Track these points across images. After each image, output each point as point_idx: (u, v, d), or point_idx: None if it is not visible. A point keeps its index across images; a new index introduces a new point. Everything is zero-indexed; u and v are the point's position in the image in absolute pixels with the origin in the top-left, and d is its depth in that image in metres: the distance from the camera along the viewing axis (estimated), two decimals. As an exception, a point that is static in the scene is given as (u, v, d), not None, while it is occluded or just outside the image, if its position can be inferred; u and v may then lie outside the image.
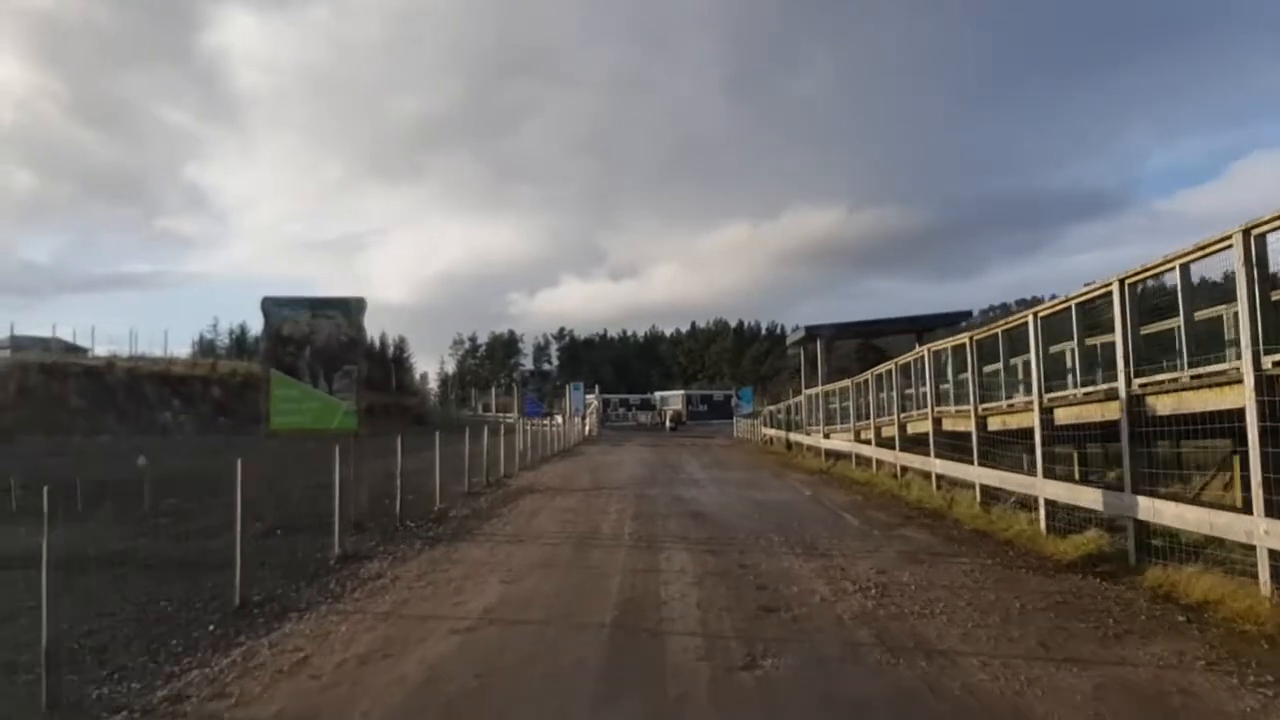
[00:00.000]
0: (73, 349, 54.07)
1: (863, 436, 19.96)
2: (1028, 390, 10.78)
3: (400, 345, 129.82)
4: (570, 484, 18.70)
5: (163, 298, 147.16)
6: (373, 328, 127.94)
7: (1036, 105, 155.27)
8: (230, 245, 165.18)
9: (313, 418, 12.10)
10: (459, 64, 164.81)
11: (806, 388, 26.34)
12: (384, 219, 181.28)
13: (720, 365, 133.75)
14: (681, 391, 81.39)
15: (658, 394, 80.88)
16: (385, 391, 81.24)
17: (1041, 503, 9.87)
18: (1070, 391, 10.03)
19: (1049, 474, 9.96)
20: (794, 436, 29.13)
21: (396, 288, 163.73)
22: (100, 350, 54.53)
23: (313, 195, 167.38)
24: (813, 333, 23.87)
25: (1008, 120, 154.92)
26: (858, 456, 19.96)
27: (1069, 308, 9.90)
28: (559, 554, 9.63)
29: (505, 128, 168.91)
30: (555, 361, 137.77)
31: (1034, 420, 10.15)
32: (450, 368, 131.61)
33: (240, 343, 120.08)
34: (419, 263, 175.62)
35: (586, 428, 49.88)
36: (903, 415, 16.76)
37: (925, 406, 15.01)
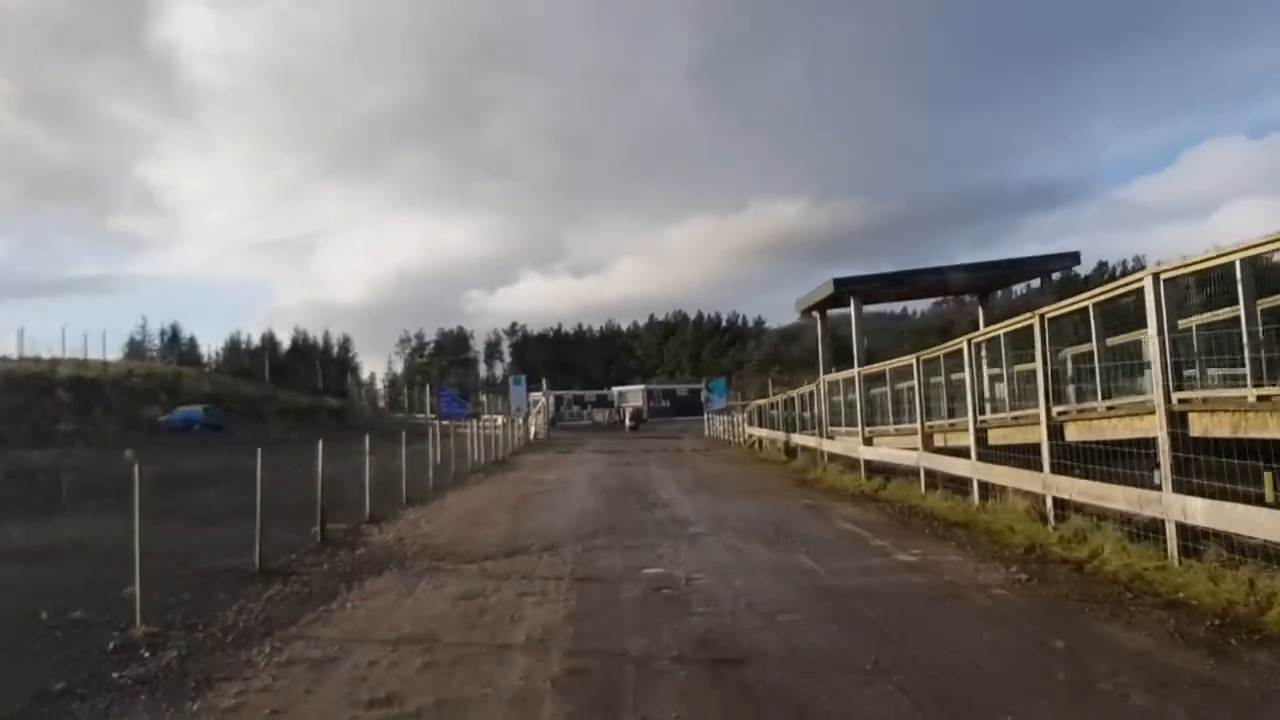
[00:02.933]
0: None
1: (949, 443, 12.64)
2: None
3: (345, 345, 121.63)
4: (470, 538, 11.04)
5: (113, 302, 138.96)
6: (315, 327, 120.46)
7: (1002, 96, 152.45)
8: (182, 247, 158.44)
9: None
10: (423, 55, 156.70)
11: (831, 370, 18.92)
12: (341, 217, 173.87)
13: (680, 359, 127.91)
14: (641, 386, 74.02)
15: (615, 389, 73.32)
16: (306, 392, 72.89)
17: None
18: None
19: None
20: (800, 439, 21.78)
21: (352, 287, 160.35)
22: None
23: (268, 194, 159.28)
24: (845, 287, 16.33)
25: (974, 112, 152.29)
26: (939, 475, 12.62)
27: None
28: None
29: (469, 121, 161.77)
30: (507, 358, 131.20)
31: None
32: (399, 367, 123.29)
33: (173, 344, 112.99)
34: (375, 262, 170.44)
35: (532, 430, 42.14)
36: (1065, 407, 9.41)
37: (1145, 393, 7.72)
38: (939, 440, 13.20)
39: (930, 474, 12.98)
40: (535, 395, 48.94)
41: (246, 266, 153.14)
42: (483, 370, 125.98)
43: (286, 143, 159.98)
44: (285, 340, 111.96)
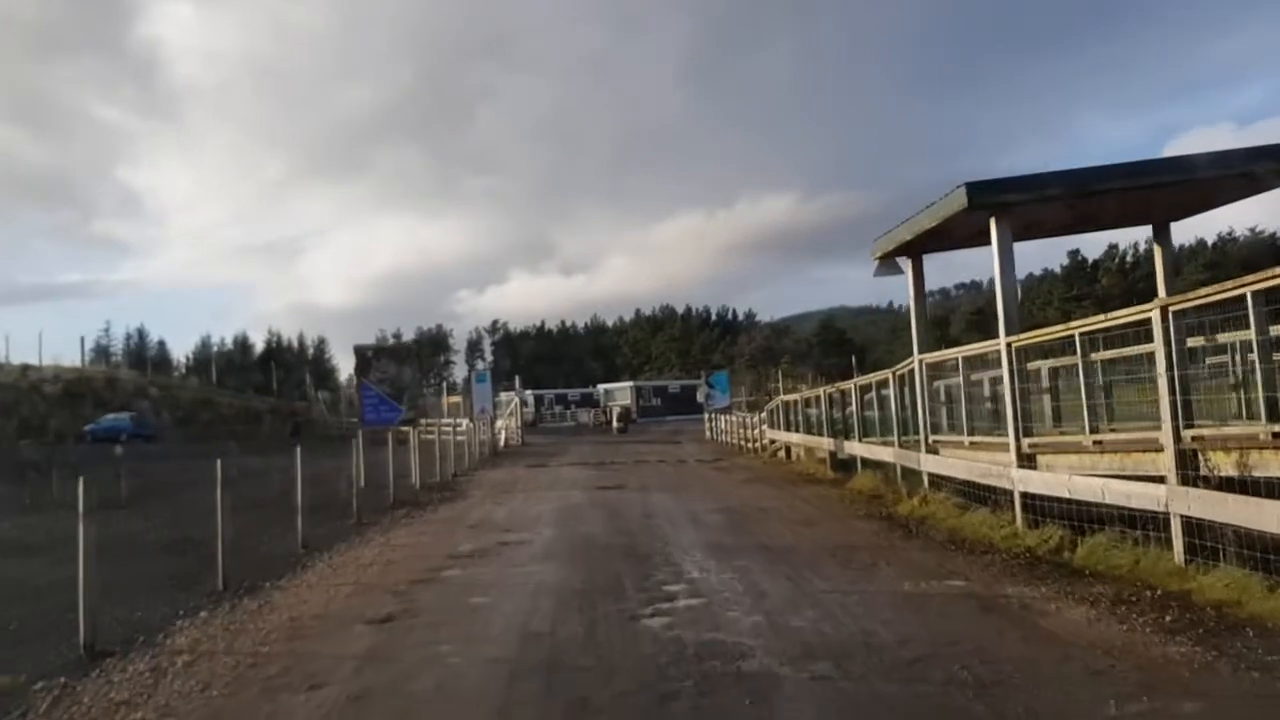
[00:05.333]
0: None
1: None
2: None
3: (320, 346, 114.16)
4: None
5: (96, 308, 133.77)
6: (305, 330, 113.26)
7: (991, 85, 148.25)
8: (164, 251, 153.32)
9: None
10: (409, 50, 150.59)
11: (930, 346, 12.09)
12: (325, 219, 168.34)
13: (668, 355, 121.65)
14: (630, 384, 67.39)
15: (601, 388, 66.67)
16: (266, 396, 65.98)
17: None
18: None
19: None
20: (864, 450, 15.26)
21: (338, 290, 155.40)
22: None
23: (252, 195, 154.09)
24: (989, 197, 9.59)
25: (963, 101, 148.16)
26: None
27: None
28: None
29: (457, 118, 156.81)
30: (489, 357, 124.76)
31: None
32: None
33: (140, 350, 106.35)
34: (362, 263, 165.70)
35: (503, 436, 35.44)
36: None
37: None
38: (1224, 463, 6.72)
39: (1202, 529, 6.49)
40: (505, 395, 42.22)
41: (230, 270, 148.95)
42: (463, 370, 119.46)
43: (271, 143, 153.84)
44: (259, 343, 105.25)
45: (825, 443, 17.69)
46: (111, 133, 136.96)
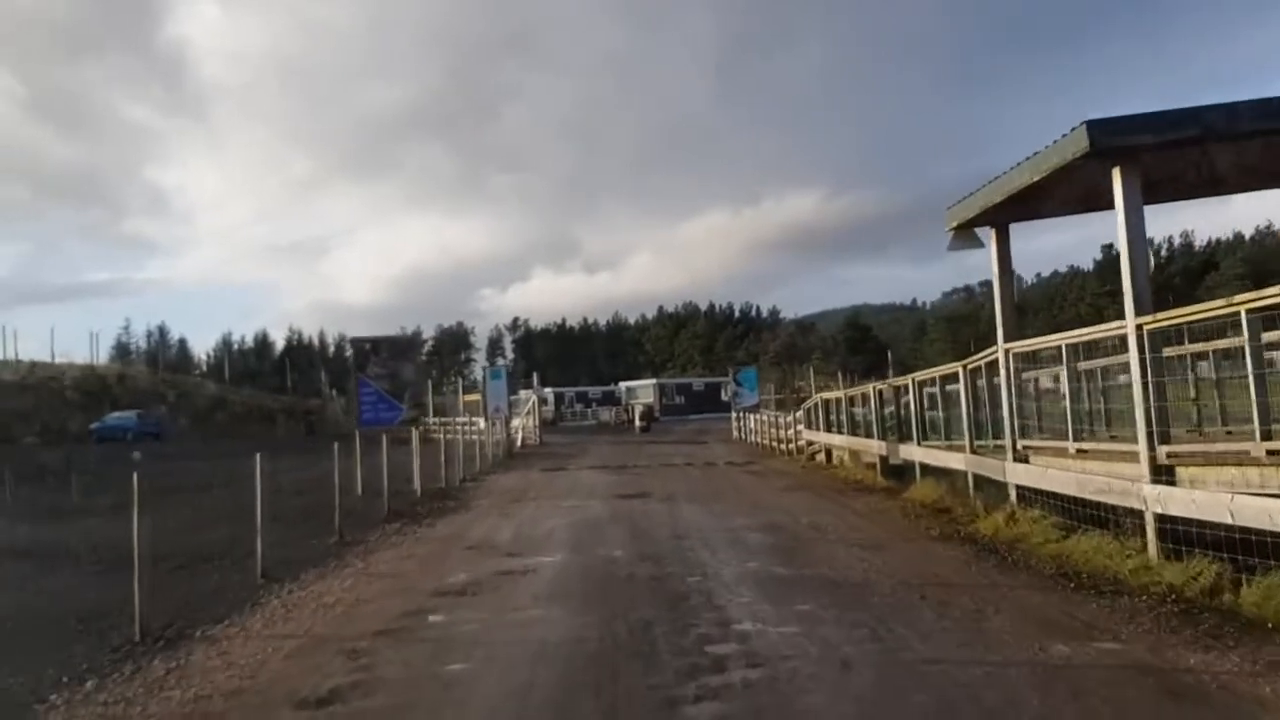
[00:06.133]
0: None
1: None
2: None
3: (340, 344, 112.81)
4: None
5: (122, 306, 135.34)
6: (329, 329, 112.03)
7: (1018, 83, 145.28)
8: (192, 250, 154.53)
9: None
10: (436, 48, 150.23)
11: (1016, 335, 9.82)
12: (351, 217, 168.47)
13: (691, 353, 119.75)
14: (653, 381, 65.40)
15: (623, 385, 64.74)
16: (278, 393, 64.63)
17: None
18: None
19: None
20: (923, 454, 13.24)
21: (364, 288, 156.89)
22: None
23: (279, 194, 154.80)
24: (1115, 138, 7.93)
25: (991, 100, 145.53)
26: None
27: None
28: None
29: (483, 116, 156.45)
30: (510, 355, 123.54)
31: None
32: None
33: (159, 348, 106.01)
34: (388, 261, 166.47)
35: (519, 436, 33.61)
36: None
37: None
38: None
39: None
40: (524, 392, 40.41)
41: (257, 269, 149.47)
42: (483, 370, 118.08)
43: (297, 142, 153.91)
44: (280, 341, 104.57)
45: (875, 446, 15.67)
46: (140, 132, 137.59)
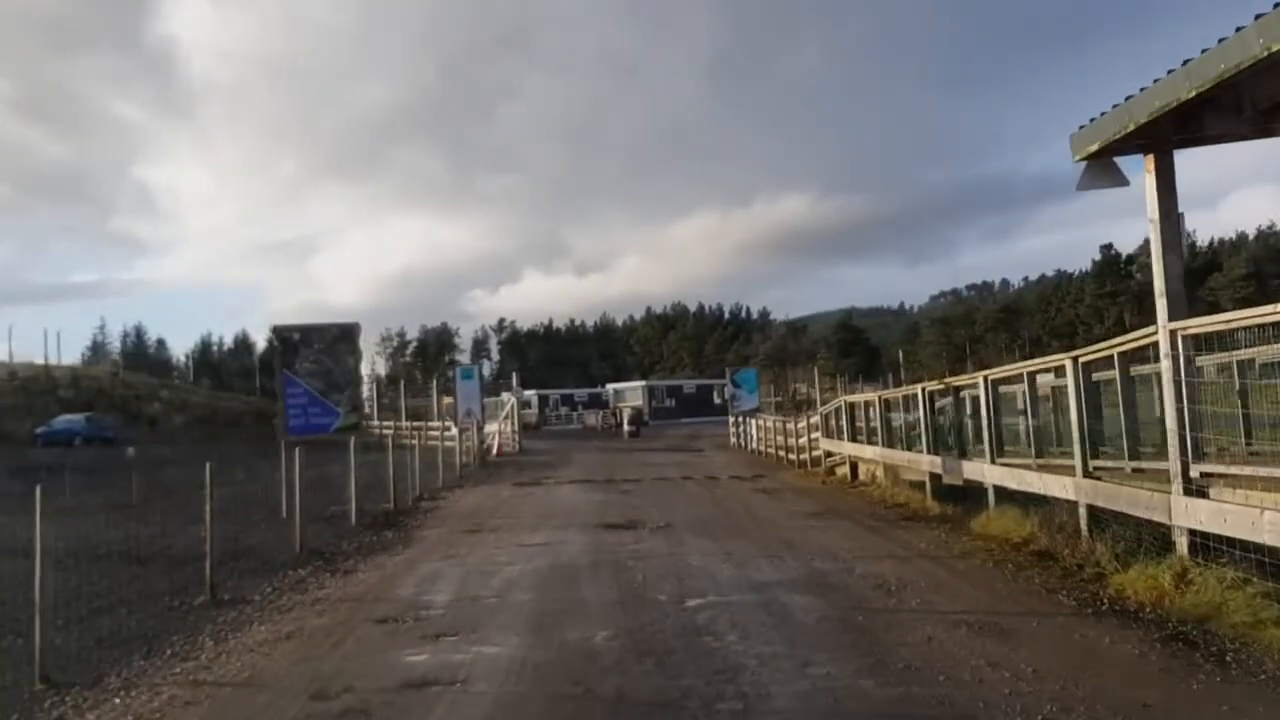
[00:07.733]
0: None
1: None
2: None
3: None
4: None
5: (107, 306, 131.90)
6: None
7: (1014, 88, 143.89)
8: (179, 251, 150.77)
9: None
10: (426, 47, 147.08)
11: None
12: (340, 218, 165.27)
13: (680, 354, 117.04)
14: (642, 383, 62.15)
15: (610, 387, 61.45)
16: (248, 395, 61.15)
17: None
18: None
19: None
20: (999, 475, 10.02)
21: (352, 289, 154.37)
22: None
23: (267, 194, 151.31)
24: None
25: (985, 104, 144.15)
26: None
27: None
28: None
29: (474, 117, 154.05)
30: (495, 356, 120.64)
31: None
32: (381, 368, 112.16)
33: (138, 347, 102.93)
34: (377, 262, 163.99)
35: (495, 442, 30.28)
36: None
37: None
38: None
39: None
40: (505, 395, 37.13)
41: (245, 269, 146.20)
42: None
43: (287, 141, 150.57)
44: (261, 342, 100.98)
45: (925, 461, 12.48)
46: (128, 130, 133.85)
